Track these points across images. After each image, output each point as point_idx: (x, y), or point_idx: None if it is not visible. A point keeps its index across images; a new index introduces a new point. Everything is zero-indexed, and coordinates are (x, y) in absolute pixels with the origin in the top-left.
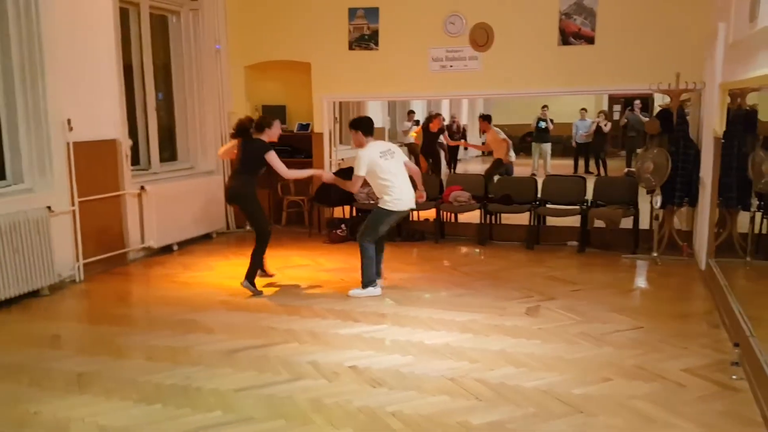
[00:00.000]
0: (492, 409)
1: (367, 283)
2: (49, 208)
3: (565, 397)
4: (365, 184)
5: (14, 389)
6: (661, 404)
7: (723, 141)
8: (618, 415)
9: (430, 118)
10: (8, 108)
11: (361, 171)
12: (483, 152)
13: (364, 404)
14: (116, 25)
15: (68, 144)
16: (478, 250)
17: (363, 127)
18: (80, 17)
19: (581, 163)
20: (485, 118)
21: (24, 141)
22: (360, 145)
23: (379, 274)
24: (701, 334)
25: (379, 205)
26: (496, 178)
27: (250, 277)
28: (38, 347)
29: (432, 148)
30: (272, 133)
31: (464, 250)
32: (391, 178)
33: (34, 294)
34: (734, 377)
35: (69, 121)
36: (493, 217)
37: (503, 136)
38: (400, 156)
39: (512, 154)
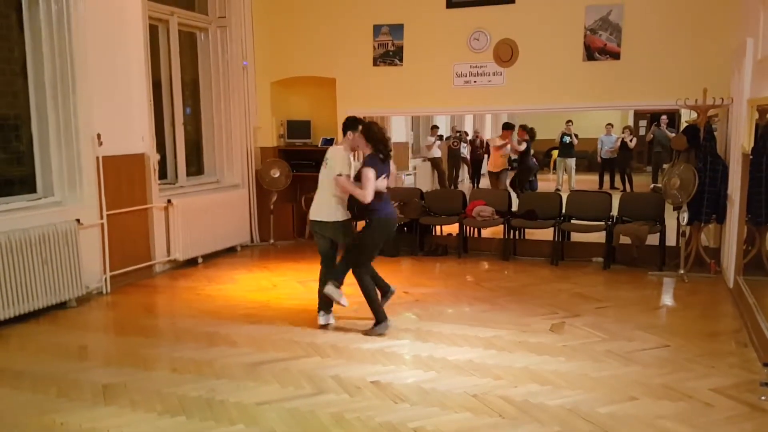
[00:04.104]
0: (516, 427)
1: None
2: (78, 221)
3: (590, 415)
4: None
5: (42, 399)
6: (688, 424)
7: (751, 157)
8: None
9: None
10: (40, 123)
11: None
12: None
13: (386, 420)
14: (146, 41)
15: (98, 158)
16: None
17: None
18: (111, 34)
19: (606, 178)
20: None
21: (55, 155)
22: (354, 149)
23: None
24: (729, 353)
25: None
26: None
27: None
28: (66, 358)
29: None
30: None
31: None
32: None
33: (62, 305)
34: (763, 398)
35: (99, 135)
36: (516, 232)
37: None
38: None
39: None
